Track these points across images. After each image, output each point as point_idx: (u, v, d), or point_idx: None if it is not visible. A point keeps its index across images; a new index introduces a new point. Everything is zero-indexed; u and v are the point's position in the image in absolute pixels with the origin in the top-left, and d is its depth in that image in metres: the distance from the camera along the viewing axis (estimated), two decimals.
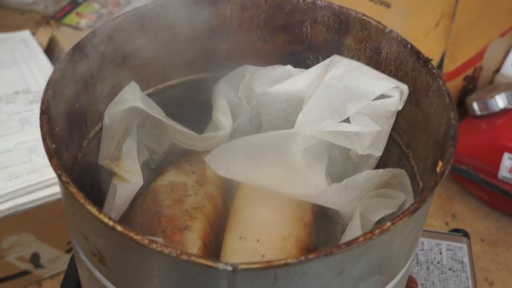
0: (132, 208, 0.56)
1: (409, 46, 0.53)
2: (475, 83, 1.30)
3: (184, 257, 0.36)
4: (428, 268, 0.73)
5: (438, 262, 0.74)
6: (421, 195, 0.41)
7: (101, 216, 0.38)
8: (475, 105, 1.18)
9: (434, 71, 0.50)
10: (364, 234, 0.38)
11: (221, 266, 0.36)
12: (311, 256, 0.37)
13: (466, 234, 0.77)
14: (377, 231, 0.38)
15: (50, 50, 1.31)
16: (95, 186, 0.56)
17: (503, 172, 1.12)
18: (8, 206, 0.93)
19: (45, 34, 1.39)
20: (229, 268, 0.36)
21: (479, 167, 1.15)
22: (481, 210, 1.18)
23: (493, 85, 1.25)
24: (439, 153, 0.48)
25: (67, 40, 1.28)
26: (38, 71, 1.16)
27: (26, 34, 1.25)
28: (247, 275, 0.37)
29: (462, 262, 0.74)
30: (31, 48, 1.21)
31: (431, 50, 1.16)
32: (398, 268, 0.45)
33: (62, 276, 0.63)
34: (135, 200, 0.56)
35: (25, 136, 1.02)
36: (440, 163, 0.46)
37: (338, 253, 0.37)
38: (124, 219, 0.55)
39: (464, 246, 0.76)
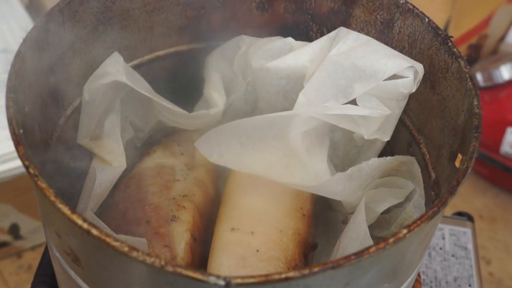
0: (115, 193, 0.51)
1: (427, 20, 0.47)
2: (478, 52, 1.24)
3: (169, 269, 0.32)
4: (429, 255, 0.69)
5: (441, 248, 0.70)
6: (441, 197, 0.36)
7: (74, 217, 0.33)
8: (479, 76, 1.12)
9: (455, 50, 0.45)
10: (377, 244, 0.33)
11: (212, 279, 0.31)
12: (315, 269, 0.32)
13: (470, 218, 0.73)
14: (391, 240, 0.33)
15: (32, 6, 1.23)
16: (73, 169, 0.50)
17: (505, 147, 1.08)
18: None
19: None
20: (221, 282, 0.31)
21: (481, 141, 1.10)
22: (480, 186, 1.14)
23: (498, 55, 1.19)
24: (457, 144, 0.43)
25: None
26: (19, 30, 1.08)
27: None
28: None
29: (466, 248, 0.70)
30: (11, 4, 1.14)
31: (435, 16, 1.09)
32: (410, 272, 0.41)
33: (43, 248, 0.58)
34: (118, 183, 0.51)
35: (4, 99, 0.95)
36: (460, 157, 0.41)
37: (347, 265, 0.33)
38: (105, 204, 0.50)
39: (468, 231, 0.71)
